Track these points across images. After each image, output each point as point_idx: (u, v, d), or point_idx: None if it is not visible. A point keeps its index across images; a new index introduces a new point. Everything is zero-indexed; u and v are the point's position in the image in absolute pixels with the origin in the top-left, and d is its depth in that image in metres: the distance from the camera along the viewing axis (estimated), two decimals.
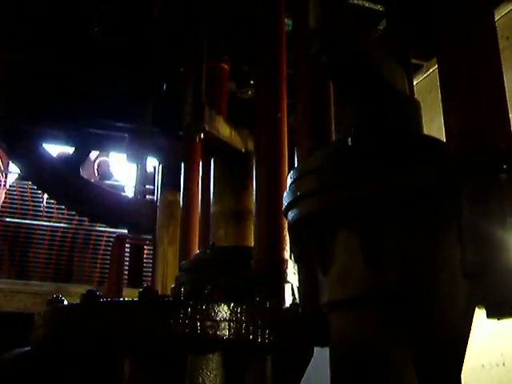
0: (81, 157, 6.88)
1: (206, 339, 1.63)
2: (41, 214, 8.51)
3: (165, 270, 5.14)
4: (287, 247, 2.74)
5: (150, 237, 6.27)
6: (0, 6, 4.58)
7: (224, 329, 1.64)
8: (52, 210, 8.49)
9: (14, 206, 8.49)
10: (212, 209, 3.61)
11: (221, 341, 1.65)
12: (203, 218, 3.95)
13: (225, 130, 3.46)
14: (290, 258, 2.72)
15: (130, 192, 8.39)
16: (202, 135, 3.36)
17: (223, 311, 1.65)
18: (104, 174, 9.25)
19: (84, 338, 1.67)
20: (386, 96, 1.93)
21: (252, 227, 3.06)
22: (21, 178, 8.35)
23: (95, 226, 8.51)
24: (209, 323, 1.62)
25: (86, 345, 1.69)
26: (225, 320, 1.65)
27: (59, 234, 8.51)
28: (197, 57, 3.64)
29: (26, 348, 1.92)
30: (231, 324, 1.66)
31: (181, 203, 4.61)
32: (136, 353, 1.66)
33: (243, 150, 3.52)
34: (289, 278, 2.71)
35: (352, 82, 1.95)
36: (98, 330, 1.65)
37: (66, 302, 1.80)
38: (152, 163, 7.04)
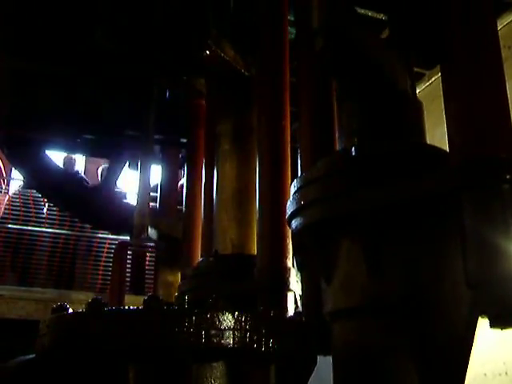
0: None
1: (211, 348, 1.64)
2: (43, 220, 8.51)
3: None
4: (290, 256, 2.74)
5: (152, 244, 6.28)
6: (1, 14, 4.60)
7: (228, 337, 1.65)
8: (54, 217, 8.49)
9: (17, 212, 8.49)
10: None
11: (225, 349, 1.65)
12: (206, 224, 3.95)
13: (229, 52, 3.54)
14: (293, 266, 2.72)
15: (132, 199, 8.39)
16: (208, 52, 3.39)
17: (228, 320, 1.66)
18: None
19: (89, 346, 1.68)
20: (388, 95, 1.94)
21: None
22: (24, 184, 8.36)
23: (97, 233, 8.50)
24: (213, 332, 1.63)
25: (91, 353, 1.70)
26: (229, 329, 1.65)
27: (61, 240, 8.50)
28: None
29: (30, 356, 1.92)
30: (235, 333, 1.66)
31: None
32: (141, 361, 1.66)
33: (246, 73, 3.56)
34: (292, 287, 2.72)
35: (355, 80, 1.96)
36: (103, 338, 1.65)
37: (70, 310, 1.80)
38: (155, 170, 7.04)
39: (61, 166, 8.02)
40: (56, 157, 8.29)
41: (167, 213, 5.74)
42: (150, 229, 5.11)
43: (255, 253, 3.02)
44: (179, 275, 4.65)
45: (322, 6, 1.87)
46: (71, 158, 8.49)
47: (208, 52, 3.58)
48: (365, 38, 1.95)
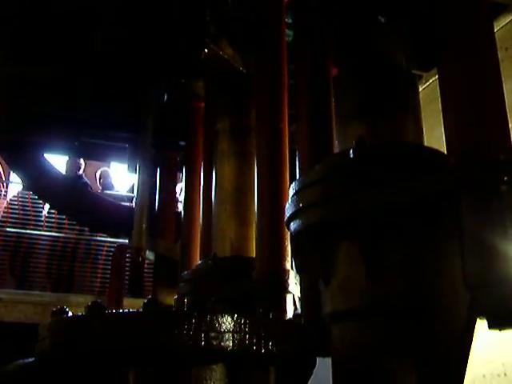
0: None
1: (210, 350, 1.64)
2: (42, 223, 8.51)
3: None
4: (289, 258, 2.74)
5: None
6: (1, 19, 4.61)
7: (228, 340, 1.65)
8: (53, 220, 8.48)
9: (15, 215, 8.48)
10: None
11: (225, 352, 1.66)
12: (204, 226, 3.95)
13: (228, 50, 3.55)
14: (292, 268, 2.72)
15: (131, 202, 8.39)
16: (206, 51, 3.38)
17: (227, 322, 1.66)
18: (105, 183, 9.26)
19: (89, 349, 1.68)
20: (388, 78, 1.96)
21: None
22: (23, 188, 8.35)
23: (96, 236, 8.49)
24: (213, 334, 1.63)
25: (90, 356, 1.70)
26: (228, 331, 1.66)
27: (60, 243, 8.49)
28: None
29: (30, 359, 1.92)
30: (235, 335, 1.67)
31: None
32: (141, 364, 1.67)
33: (244, 71, 3.56)
34: (290, 289, 2.72)
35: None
36: (103, 341, 1.65)
37: (70, 313, 1.81)
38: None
39: (63, 169, 8.02)
40: (59, 160, 8.31)
41: (165, 232, 5.71)
42: (147, 251, 5.11)
43: (254, 254, 3.03)
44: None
45: None
46: (75, 162, 8.48)
47: (206, 50, 3.58)
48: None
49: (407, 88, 2.06)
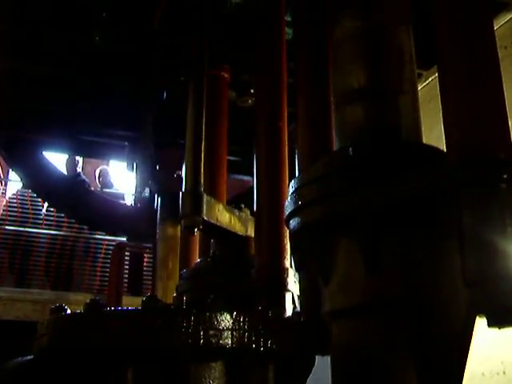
0: None
1: (209, 348, 1.64)
2: (41, 222, 8.51)
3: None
4: (288, 256, 2.75)
5: (149, 245, 6.27)
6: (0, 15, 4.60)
7: (227, 338, 1.65)
8: (52, 218, 8.49)
9: (14, 213, 8.49)
10: None
11: (224, 349, 1.66)
12: None
13: (224, 217, 3.39)
14: (291, 266, 2.72)
15: (130, 200, 8.40)
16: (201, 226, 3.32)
17: (226, 320, 1.66)
18: (104, 182, 9.27)
19: (87, 347, 1.68)
20: None
21: None
22: (22, 186, 8.36)
23: (95, 234, 8.51)
24: (212, 332, 1.63)
25: (89, 353, 1.70)
26: (228, 329, 1.66)
27: (59, 242, 8.51)
28: (197, 69, 3.64)
29: (28, 357, 1.92)
30: (234, 333, 1.66)
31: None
32: (139, 362, 1.66)
33: (243, 235, 3.50)
34: (289, 287, 2.72)
35: None
36: (101, 339, 1.65)
37: (69, 311, 1.80)
38: None
39: (62, 167, 8.03)
40: (58, 158, 8.31)
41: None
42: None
43: (253, 253, 3.03)
44: (179, 229, 4.74)
45: None
46: (74, 159, 8.48)
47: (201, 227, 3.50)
48: None
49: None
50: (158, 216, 5.44)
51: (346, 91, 2.00)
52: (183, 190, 3.24)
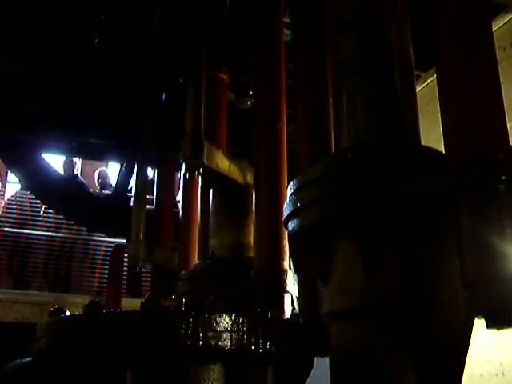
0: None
1: (208, 349, 1.64)
2: (39, 223, 8.50)
3: None
4: (287, 257, 2.75)
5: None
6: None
7: (226, 339, 1.65)
8: (50, 220, 8.48)
9: (13, 215, 8.48)
10: (211, 242, 3.59)
11: (223, 351, 1.65)
12: (202, 227, 3.96)
13: (224, 164, 3.46)
14: (290, 268, 2.72)
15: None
16: (201, 170, 3.35)
17: (225, 322, 1.66)
18: (104, 183, 9.26)
19: (86, 348, 1.68)
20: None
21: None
22: (21, 188, 8.35)
23: (93, 236, 8.50)
24: (211, 334, 1.63)
25: (88, 355, 1.70)
26: (226, 331, 1.66)
27: (57, 243, 8.50)
28: (196, 71, 3.65)
29: (27, 359, 1.92)
30: (233, 335, 1.66)
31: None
32: (138, 364, 1.66)
33: (242, 183, 3.52)
34: (288, 288, 2.72)
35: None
36: (100, 341, 1.65)
37: (67, 313, 1.80)
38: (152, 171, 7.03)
39: (60, 168, 8.03)
40: (56, 160, 8.30)
41: (163, 235, 5.68)
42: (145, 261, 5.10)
43: (252, 255, 3.03)
44: None
45: None
46: (71, 161, 8.47)
47: (201, 170, 3.53)
48: None
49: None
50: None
51: None
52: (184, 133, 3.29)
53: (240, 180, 3.50)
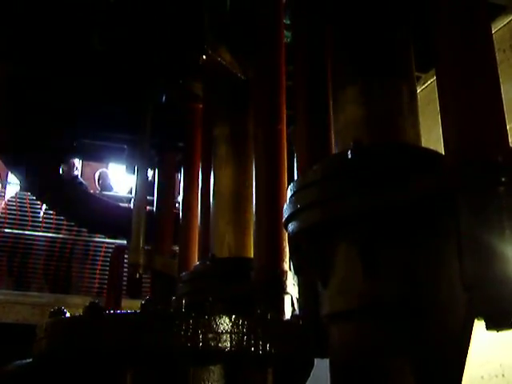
0: None
1: (208, 351, 1.64)
2: (39, 224, 8.50)
3: None
4: (287, 259, 2.74)
5: (148, 248, 6.25)
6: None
7: (226, 341, 1.65)
8: (51, 221, 8.47)
9: (13, 216, 8.48)
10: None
11: (222, 353, 1.66)
12: (203, 228, 3.95)
13: (226, 56, 3.60)
14: (290, 269, 2.72)
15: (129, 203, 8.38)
16: (205, 57, 3.43)
17: (225, 323, 1.66)
18: (104, 184, 9.26)
19: (86, 350, 1.68)
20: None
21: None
22: (21, 189, 8.35)
23: (94, 237, 8.49)
24: (210, 335, 1.63)
25: (88, 356, 1.70)
26: (226, 332, 1.66)
27: (58, 244, 8.49)
28: None
29: (27, 360, 1.92)
30: (233, 336, 1.66)
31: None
32: (138, 365, 1.66)
33: (243, 78, 3.61)
34: (288, 290, 2.72)
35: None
36: (100, 342, 1.65)
37: (68, 314, 1.80)
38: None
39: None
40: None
41: (163, 238, 5.68)
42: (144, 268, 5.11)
43: (252, 257, 3.03)
44: None
45: None
46: (71, 162, 8.47)
47: (205, 57, 3.60)
48: None
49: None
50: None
51: None
52: None
53: (240, 74, 3.63)
